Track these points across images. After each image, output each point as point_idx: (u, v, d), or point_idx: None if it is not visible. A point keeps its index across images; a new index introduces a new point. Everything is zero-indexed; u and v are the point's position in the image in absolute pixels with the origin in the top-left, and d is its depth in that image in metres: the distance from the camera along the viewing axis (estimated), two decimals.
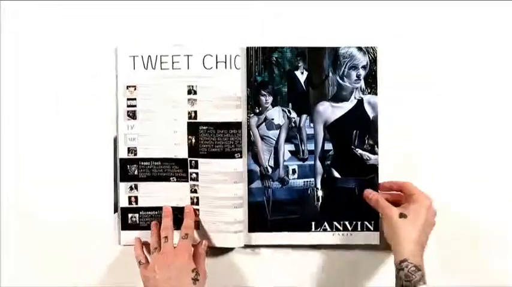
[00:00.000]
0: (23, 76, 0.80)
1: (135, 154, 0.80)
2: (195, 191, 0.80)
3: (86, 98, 0.80)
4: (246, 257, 0.82)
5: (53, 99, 0.80)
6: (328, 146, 0.81)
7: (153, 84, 0.80)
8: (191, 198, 0.80)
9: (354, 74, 0.80)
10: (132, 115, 0.80)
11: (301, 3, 0.81)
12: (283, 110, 0.80)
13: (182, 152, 0.80)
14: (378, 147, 0.80)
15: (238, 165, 0.79)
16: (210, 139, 0.79)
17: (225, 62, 0.79)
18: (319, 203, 0.80)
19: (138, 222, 0.80)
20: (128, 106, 0.80)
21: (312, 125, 0.80)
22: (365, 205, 0.79)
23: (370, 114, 0.80)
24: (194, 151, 0.80)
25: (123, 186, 0.80)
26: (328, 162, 0.81)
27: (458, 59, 0.82)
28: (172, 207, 0.80)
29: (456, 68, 0.82)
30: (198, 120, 0.79)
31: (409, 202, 0.74)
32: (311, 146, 0.81)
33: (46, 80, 0.80)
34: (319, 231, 0.80)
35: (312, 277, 0.82)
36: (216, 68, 0.79)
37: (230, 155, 0.79)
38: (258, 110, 0.80)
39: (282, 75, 0.80)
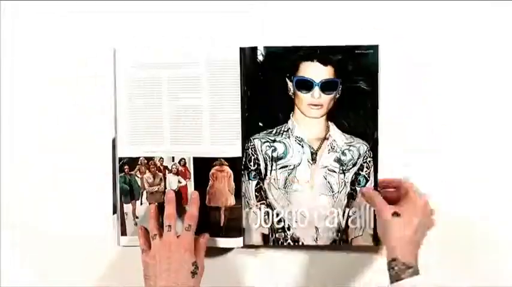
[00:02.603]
0: (22, 76, 0.81)
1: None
2: None
3: (84, 98, 0.81)
4: (245, 257, 0.82)
5: (52, 99, 0.81)
6: None
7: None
8: None
9: None
10: None
11: (301, 3, 0.81)
12: None
13: None
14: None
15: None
16: None
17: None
18: None
19: None
20: None
21: None
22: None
23: None
24: None
25: None
26: None
27: (459, 58, 0.82)
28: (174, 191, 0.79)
29: (457, 67, 0.82)
30: None
31: (404, 201, 0.74)
32: None
33: (46, 79, 0.81)
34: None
35: (310, 277, 0.82)
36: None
37: None
38: None
39: None
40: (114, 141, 0.80)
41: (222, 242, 0.80)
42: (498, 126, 0.82)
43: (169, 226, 0.73)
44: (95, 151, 0.80)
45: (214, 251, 0.81)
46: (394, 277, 0.68)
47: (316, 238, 0.81)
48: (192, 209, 0.76)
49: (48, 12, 0.80)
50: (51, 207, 0.81)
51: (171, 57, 0.79)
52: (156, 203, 0.79)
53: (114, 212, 0.80)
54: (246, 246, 0.81)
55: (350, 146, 0.80)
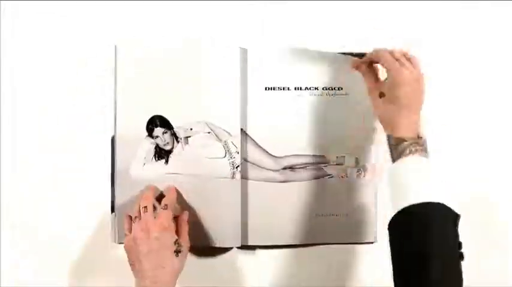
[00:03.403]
0: (22, 76, 0.81)
1: None
2: None
3: (84, 98, 0.81)
4: (243, 257, 0.82)
5: (51, 98, 0.81)
6: None
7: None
8: None
9: None
10: None
11: (301, 3, 0.81)
12: None
13: None
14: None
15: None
16: None
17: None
18: None
19: None
20: None
21: None
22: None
23: None
24: None
25: None
26: None
27: (459, 58, 0.82)
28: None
29: (457, 67, 0.82)
30: None
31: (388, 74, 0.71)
32: None
33: (45, 79, 0.81)
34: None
35: (309, 276, 0.82)
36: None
37: None
38: None
39: None
40: (113, 139, 0.80)
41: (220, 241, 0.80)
42: (498, 126, 0.82)
43: (145, 207, 0.72)
44: (95, 150, 0.80)
45: (211, 252, 0.81)
46: (394, 156, 0.68)
47: None
48: (169, 195, 0.76)
49: (49, 12, 0.80)
50: (51, 207, 0.81)
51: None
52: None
53: (113, 210, 0.80)
54: (243, 246, 0.80)
55: None
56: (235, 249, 0.81)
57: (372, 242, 0.81)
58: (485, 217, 0.82)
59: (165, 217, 0.72)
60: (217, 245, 0.80)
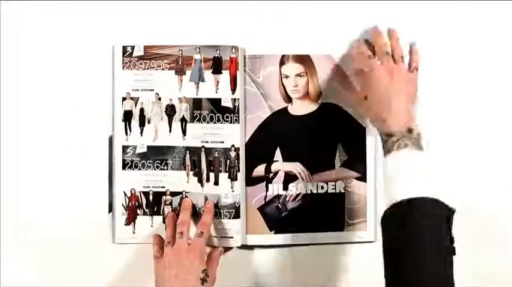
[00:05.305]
0: (22, 76, 0.81)
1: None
2: None
3: (83, 97, 0.80)
4: (243, 257, 0.82)
5: (51, 98, 0.81)
6: None
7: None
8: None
9: None
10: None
11: (301, 3, 0.81)
12: None
13: None
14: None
15: None
16: None
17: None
18: None
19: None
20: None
21: None
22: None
23: None
24: None
25: None
26: None
27: (454, 62, 0.82)
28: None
29: (457, 67, 0.82)
30: None
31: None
32: None
33: (45, 79, 0.81)
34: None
35: (309, 276, 0.82)
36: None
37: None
38: None
39: None
40: (110, 139, 0.80)
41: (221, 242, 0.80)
42: (498, 126, 0.82)
43: (181, 233, 0.73)
44: (91, 149, 0.80)
45: None
46: (384, 152, 0.68)
47: None
48: (206, 217, 0.76)
49: (48, 12, 0.80)
50: (49, 207, 0.81)
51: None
52: (174, 212, 0.79)
53: (110, 210, 0.80)
54: (243, 246, 0.80)
55: None
56: (235, 249, 0.81)
57: (372, 242, 0.81)
58: (485, 216, 0.82)
59: (199, 246, 0.73)
60: (218, 245, 0.79)
